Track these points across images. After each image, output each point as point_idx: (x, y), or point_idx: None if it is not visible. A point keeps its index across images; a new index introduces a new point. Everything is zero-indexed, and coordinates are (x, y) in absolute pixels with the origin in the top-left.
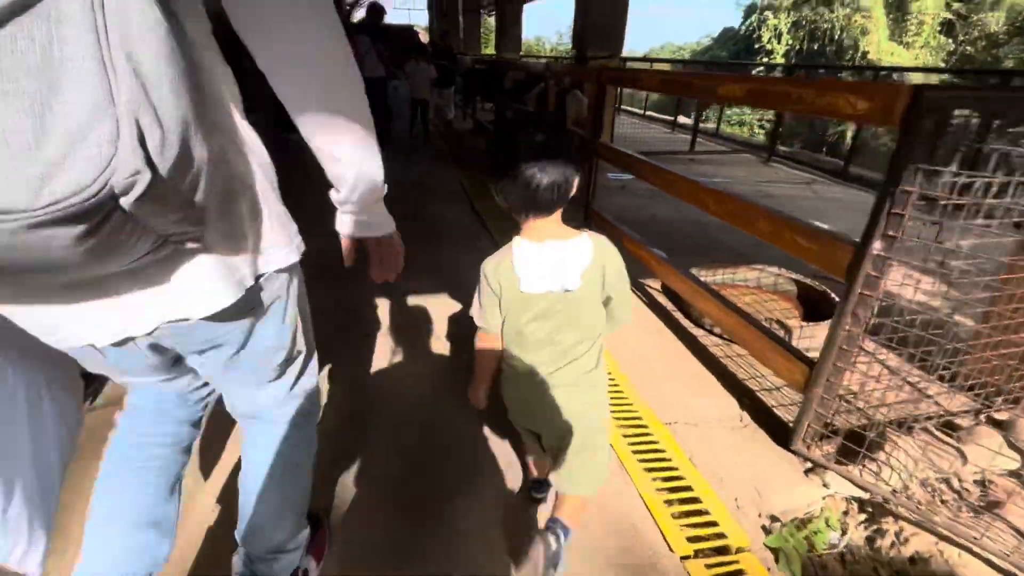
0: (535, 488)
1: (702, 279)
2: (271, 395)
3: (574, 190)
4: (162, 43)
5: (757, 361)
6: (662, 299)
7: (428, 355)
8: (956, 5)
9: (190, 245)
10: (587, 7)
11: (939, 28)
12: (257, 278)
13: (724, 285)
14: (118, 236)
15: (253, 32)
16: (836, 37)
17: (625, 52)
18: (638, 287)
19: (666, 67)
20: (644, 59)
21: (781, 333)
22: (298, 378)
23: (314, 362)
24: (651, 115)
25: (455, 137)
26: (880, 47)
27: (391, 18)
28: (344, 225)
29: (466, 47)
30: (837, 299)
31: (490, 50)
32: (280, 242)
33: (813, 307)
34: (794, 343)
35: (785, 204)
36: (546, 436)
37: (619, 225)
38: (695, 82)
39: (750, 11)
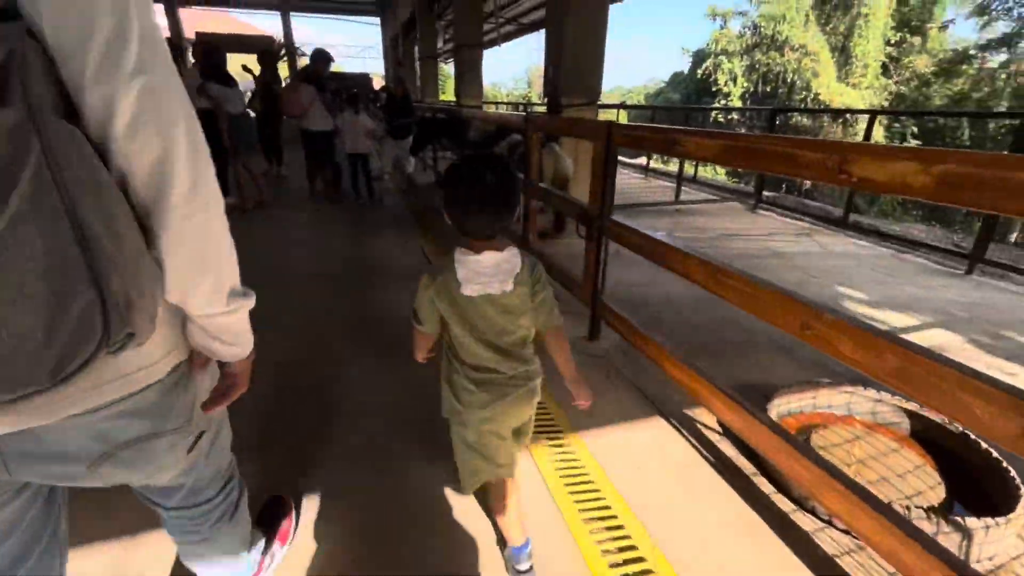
0: (521, 557)
1: (774, 410)
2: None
3: (514, 220)
4: (109, 206)
5: None
6: (726, 446)
7: None
8: (889, 49)
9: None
10: (561, 51)
11: (880, 70)
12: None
13: (802, 414)
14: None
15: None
16: (789, 80)
17: None
18: (684, 424)
19: (620, 113)
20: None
21: (954, 543)
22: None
23: (222, 439)
24: (620, 159)
25: (416, 194)
26: (831, 88)
27: (348, 67)
28: (194, 336)
29: (423, 94)
30: (997, 454)
31: (447, 96)
32: (166, 350)
33: (941, 455)
34: (974, 554)
35: (803, 265)
36: (505, 424)
37: (645, 331)
38: (793, 152)
39: (700, 56)
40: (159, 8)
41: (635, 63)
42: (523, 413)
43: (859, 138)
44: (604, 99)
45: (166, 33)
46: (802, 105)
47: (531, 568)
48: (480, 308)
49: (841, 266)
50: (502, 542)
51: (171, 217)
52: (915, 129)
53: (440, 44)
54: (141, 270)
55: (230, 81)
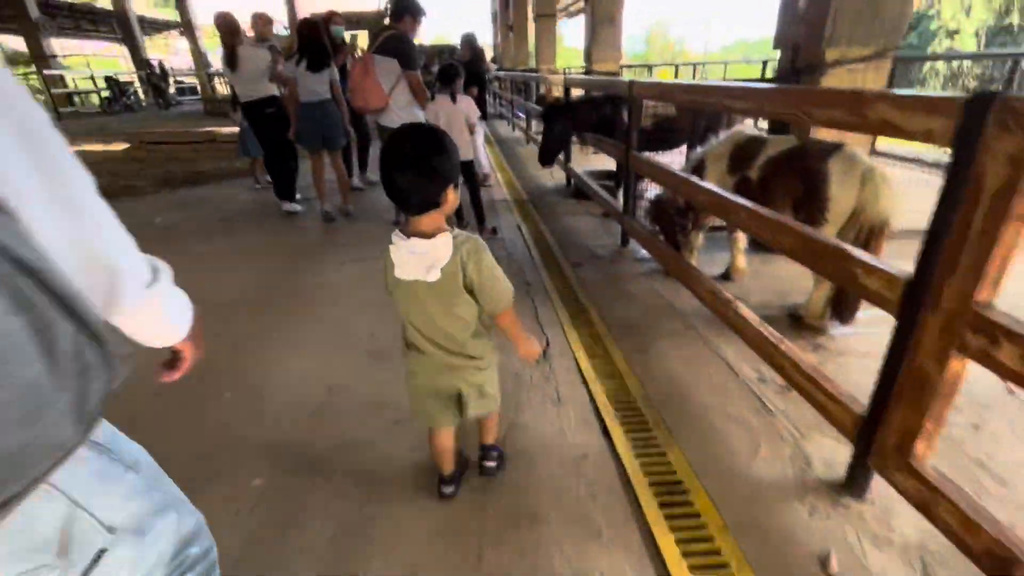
0: (444, 483)
1: None
2: None
3: (447, 200)
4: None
5: None
6: None
7: None
8: None
9: None
10: None
11: None
12: None
13: None
14: None
15: None
16: None
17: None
18: None
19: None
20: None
21: None
22: None
23: None
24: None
25: (543, 214)
26: None
27: (449, 35)
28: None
29: (539, 60)
30: None
31: (563, 63)
32: None
33: None
34: None
35: None
36: (445, 397)
37: None
38: None
39: None
40: None
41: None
42: (451, 384)
43: None
44: (724, 57)
45: (282, 19)
46: None
47: (454, 491)
48: (413, 291)
49: None
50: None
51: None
52: None
53: None
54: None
55: (325, 62)
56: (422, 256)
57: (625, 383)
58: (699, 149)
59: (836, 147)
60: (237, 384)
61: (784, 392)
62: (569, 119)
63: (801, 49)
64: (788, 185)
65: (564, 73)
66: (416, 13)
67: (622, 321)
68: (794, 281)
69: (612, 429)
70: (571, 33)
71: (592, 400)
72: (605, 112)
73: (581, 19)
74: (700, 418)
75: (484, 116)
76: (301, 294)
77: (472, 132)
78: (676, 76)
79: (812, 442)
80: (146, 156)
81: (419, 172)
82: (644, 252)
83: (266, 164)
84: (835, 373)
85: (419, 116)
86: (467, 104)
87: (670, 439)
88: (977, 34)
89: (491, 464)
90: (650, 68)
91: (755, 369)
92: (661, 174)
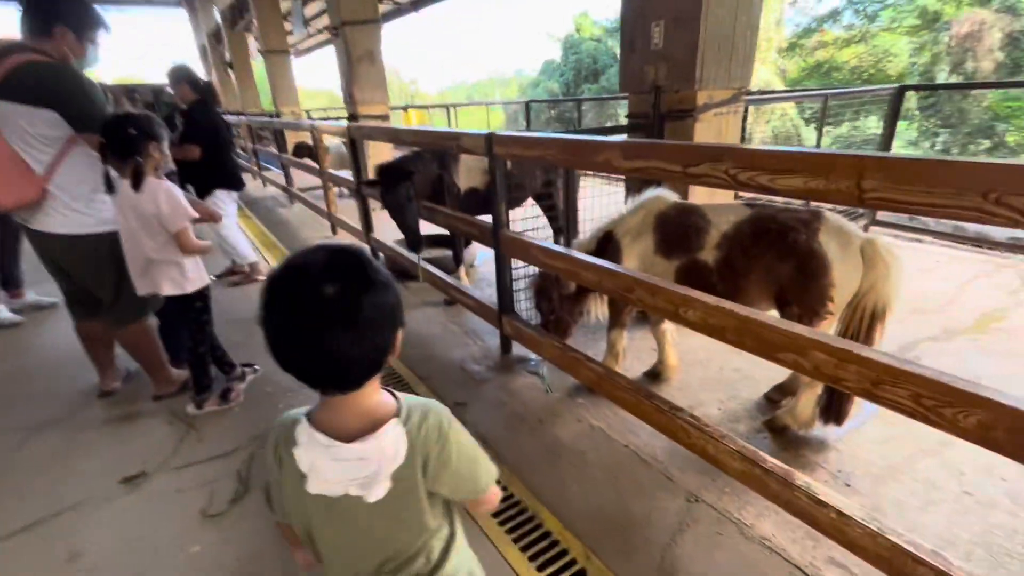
0: None
1: None
2: None
3: (394, 353)
4: None
5: None
6: None
7: None
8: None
9: None
10: None
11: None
12: None
13: None
14: None
15: None
16: None
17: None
18: None
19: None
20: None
21: None
22: None
23: None
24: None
25: None
26: None
27: (139, 75)
28: None
29: (277, 103)
30: None
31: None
32: None
33: None
34: None
35: None
36: None
37: None
38: None
39: (571, 43)
40: None
41: (478, 54)
42: None
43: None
44: (469, 92)
45: None
46: None
47: None
48: (336, 509)
49: None
50: None
51: None
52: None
53: (298, 32)
54: None
55: None
56: (357, 464)
57: None
58: (601, 223)
59: (816, 215)
60: None
61: None
62: (410, 185)
63: (665, 92)
64: (768, 270)
65: (352, 121)
66: (82, 23)
67: (598, 517)
68: (724, 361)
69: None
70: (298, 73)
71: None
72: (436, 172)
73: (313, 56)
74: None
75: (236, 185)
76: None
77: (186, 247)
78: (449, 116)
79: None
80: None
81: (358, 323)
82: (534, 356)
83: None
84: (897, 514)
85: (107, 214)
86: (161, 195)
87: None
88: None
89: None
90: (405, 108)
91: (826, 556)
92: (558, 260)
